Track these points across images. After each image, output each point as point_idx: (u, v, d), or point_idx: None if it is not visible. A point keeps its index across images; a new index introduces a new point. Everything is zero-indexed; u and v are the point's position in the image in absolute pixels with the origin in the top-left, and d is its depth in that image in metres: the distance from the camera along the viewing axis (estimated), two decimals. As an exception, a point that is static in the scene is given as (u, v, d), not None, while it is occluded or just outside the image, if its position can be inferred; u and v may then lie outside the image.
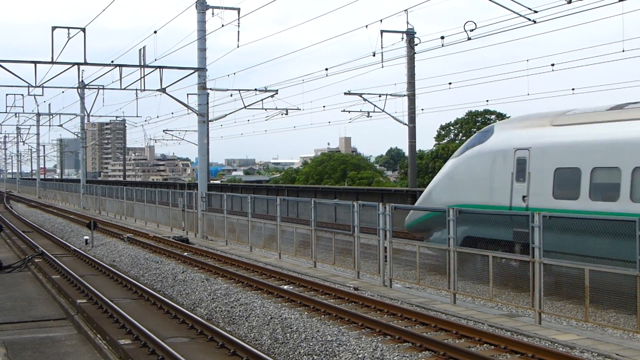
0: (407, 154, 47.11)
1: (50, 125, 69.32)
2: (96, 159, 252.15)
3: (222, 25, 30.35)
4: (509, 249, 15.98)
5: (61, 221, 42.86)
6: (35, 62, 30.39)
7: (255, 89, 36.03)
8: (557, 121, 17.87)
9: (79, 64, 30.82)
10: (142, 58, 30.90)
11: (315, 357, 11.68)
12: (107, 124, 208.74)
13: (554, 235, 13.49)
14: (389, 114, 36.79)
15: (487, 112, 72.92)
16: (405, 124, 36.86)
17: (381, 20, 27.56)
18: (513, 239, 16.31)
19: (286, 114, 40.51)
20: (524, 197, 17.77)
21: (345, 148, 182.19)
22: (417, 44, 31.13)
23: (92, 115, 54.41)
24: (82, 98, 53.99)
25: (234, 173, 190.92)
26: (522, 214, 15.18)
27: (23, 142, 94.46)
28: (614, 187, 15.60)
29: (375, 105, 36.82)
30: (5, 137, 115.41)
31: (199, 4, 30.87)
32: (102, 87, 40.15)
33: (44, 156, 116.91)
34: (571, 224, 13.99)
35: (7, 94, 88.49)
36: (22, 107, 55.14)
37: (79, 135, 60.71)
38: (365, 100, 36.58)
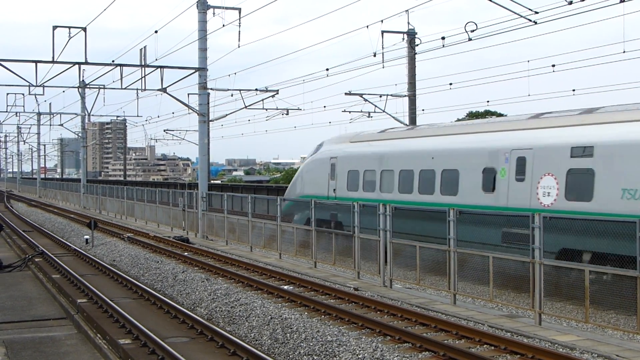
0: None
1: (50, 125, 69.32)
2: (97, 158, 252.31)
3: (223, 25, 30.37)
4: (328, 225, 22.64)
5: (61, 221, 42.88)
6: (36, 62, 30.39)
7: (256, 89, 36.01)
8: (352, 139, 26.40)
9: (79, 64, 30.83)
10: (142, 58, 30.91)
11: (315, 358, 11.68)
12: (107, 123, 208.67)
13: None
14: (390, 115, 36.70)
15: (487, 112, 72.92)
16: (406, 125, 36.79)
17: (382, 21, 27.48)
18: (330, 219, 23.35)
19: (287, 114, 40.49)
20: (334, 189, 25.77)
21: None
22: (417, 45, 31.11)
23: (92, 115, 54.37)
24: (82, 97, 53.97)
25: (234, 173, 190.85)
26: (333, 202, 24.39)
27: (24, 141, 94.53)
28: (373, 183, 23.80)
29: (375, 106, 36.74)
30: (6, 136, 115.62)
31: (199, 3, 30.86)
32: (102, 86, 40.08)
33: (45, 155, 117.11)
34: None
35: (7, 93, 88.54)
36: (23, 106, 55.31)
37: (80, 134, 60.72)
38: (365, 100, 36.47)
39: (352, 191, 24.70)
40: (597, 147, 16.05)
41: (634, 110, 16.11)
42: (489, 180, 18.91)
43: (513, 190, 18.10)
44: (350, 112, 38.74)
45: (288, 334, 12.95)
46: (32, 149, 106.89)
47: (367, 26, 27.59)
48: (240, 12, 29.91)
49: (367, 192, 23.82)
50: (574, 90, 29.64)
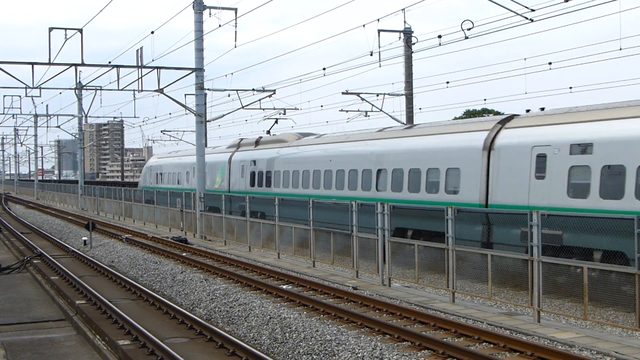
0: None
1: (48, 127, 69.32)
2: (94, 159, 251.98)
3: (220, 26, 30.37)
4: (150, 202, 38.75)
5: (59, 222, 42.83)
6: (32, 63, 30.35)
7: (253, 89, 36.03)
8: (159, 156, 51.88)
9: (76, 65, 30.79)
10: (139, 59, 30.89)
11: (314, 357, 11.68)
12: (104, 124, 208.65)
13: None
14: (387, 114, 36.74)
15: (484, 111, 72.91)
16: (403, 124, 36.77)
17: (378, 20, 27.62)
18: (151, 199, 38.27)
19: (284, 113, 40.53)
20: (151, 182, 46.19)
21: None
22: (414, 43, 31.18)
23: (89, 116, 54.41)
24: (79, 99, 53.94)
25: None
26: (152, 190, 40.77)
27: (21, 143, 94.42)
28: (163, 179, 47.76)
29: (373, 105, 36.77)
30: (3, 138, 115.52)
31: (196, 4, 30.84)
32: (99, 87, 40.04)
33: (42, 157, 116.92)
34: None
35: (4, 95, 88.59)
36: (20, 108, 55.66)
37: (77, 136, 60.65)
38: (363, 99, 36.52)
39: (158, 184, 47.68)
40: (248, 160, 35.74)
41: (267, 140, 34.89)
42: (221, 176, 37.21)
43: (231, 181, 36.35)
44: (347, 111, 38.78)
45: (287, 334, 12.96)
46: (29, 151, 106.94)
47: (364, 25, 27.69)
48: (236, 12, 29.96)
49: (161, 184, 45.78)
50: (570, 87, 29.89)
